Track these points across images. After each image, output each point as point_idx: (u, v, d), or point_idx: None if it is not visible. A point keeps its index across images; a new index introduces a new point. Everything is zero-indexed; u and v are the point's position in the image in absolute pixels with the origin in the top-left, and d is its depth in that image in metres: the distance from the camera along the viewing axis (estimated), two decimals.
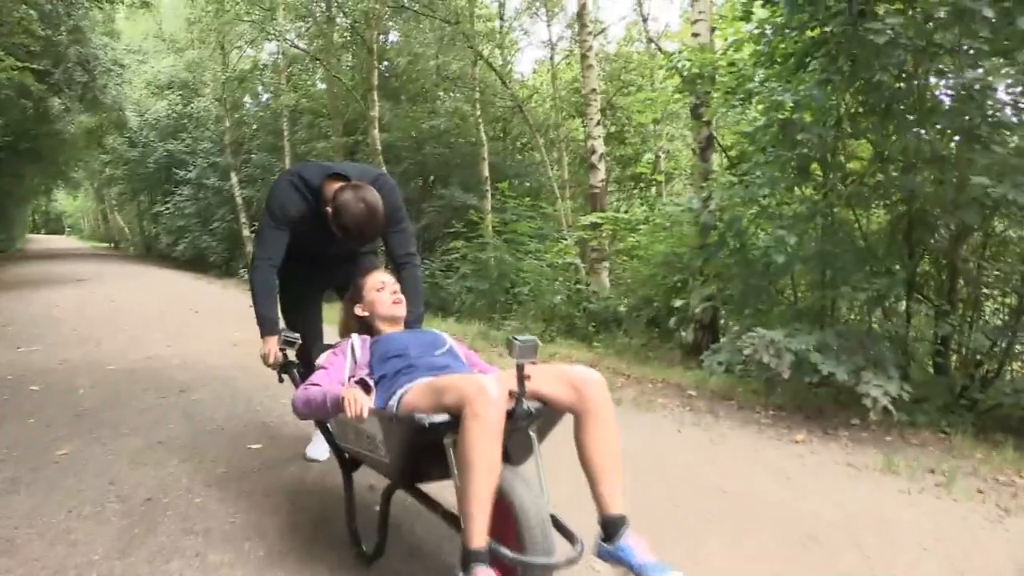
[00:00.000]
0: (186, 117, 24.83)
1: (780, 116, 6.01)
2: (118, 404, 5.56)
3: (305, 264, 3.79)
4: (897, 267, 6.16)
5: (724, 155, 8.59)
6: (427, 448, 2.47)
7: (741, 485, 4.21)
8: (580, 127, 18.48)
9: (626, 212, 13.10)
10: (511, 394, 2.43)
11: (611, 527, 2.53)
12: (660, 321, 10.83)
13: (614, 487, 2.58)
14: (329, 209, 3.37)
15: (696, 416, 5.97)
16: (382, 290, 3.20)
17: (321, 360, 3.27)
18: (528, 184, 17.93)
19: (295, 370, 3.44)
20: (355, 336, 3.10)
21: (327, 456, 4.21)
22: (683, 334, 10.23)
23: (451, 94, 18.12)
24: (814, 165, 6.19)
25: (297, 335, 3.41)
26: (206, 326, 10.11)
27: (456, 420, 2.34)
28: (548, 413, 2.61)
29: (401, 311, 3.22)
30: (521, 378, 2.42)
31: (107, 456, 4.33)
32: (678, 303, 7.72)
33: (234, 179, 21.73)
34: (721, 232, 6.49)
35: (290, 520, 3.47)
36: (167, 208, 24.92)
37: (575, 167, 17.49)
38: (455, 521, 2.50)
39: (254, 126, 23.53)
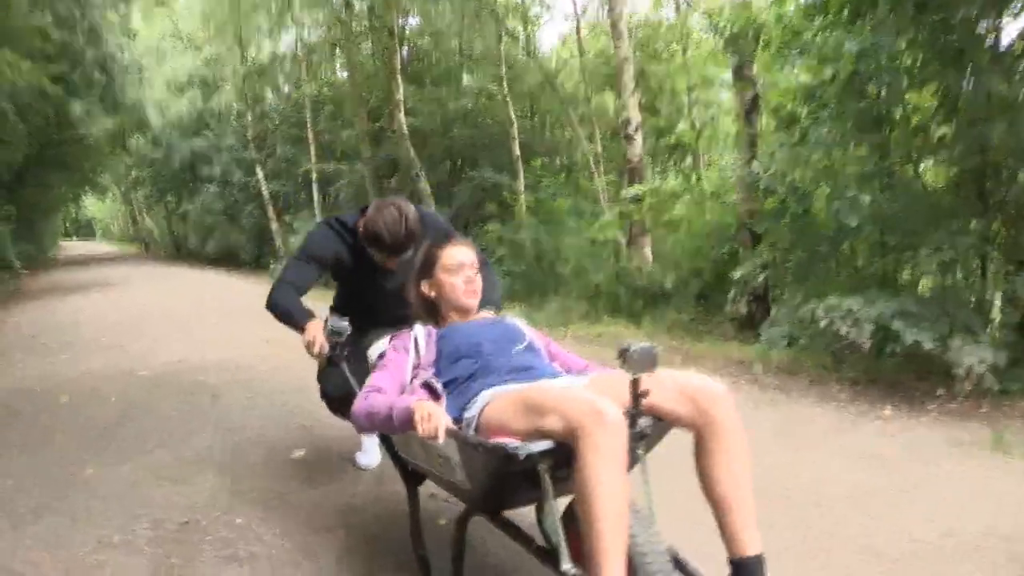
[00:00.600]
0: (207, 114, 24.55)
1: (845, 67, 5.52)
2: (147, 414, 5.24)
3: (366, 316, 3.48)
4: (973, 224, 5.68)
5: (774, 116, 8.08)
6: (517, 475, 2.07)
7: (842, 479, 3.78)
8: (611, 100, 18.01)
9: (663, 184, 12.61)
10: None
11: (745, 571, 2.11)
12: (709, 294, 10.39)
13: (747, 521, 2.13)
14: (361, 230, 3.29)
15: (767, 394, 5.57)
16: (457, 272, 2.71)
17: (375, 352, 2.91)
18: (559, 161, 17.48)
19: (345, 363, 3.02)
20: (418, 327, 2.71)
21: (379, 462, 3.85)
22: (736, 307, 9.78)
23: (476, 74, 17.64)
24: (891, 115, 5.70)
25: (347, 322, 2.99)
26: (237, 325, 9.81)
27: (560, 447, 1.96)
28: (659, 427, 2.21)
29: (474, 302, 2.77)
30: (637, 394, 2.02)
31: (137, 474, 3.99)
32: (737, 273, 7.25)
33: (260, 173, 21.44)
34: (782, 196, 6.03)
35: (346, 542, 3.12)
36: (194, 207, 24.73)
37: (607, 141, 16.99)
38: (550, 557, 2.13)
39: (276, 119, 23.22)
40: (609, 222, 10.75)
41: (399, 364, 2.55)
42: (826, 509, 3.38)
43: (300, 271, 3.38)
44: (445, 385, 2.43)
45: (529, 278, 12.05)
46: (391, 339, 2.73)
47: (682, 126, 16.88)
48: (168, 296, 14.18)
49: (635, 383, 2.00)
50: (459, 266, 2.71)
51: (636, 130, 11.51)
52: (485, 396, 2.30)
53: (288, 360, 6.98)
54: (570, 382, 2.40)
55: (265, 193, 21.36)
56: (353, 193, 17.93)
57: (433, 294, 2.76)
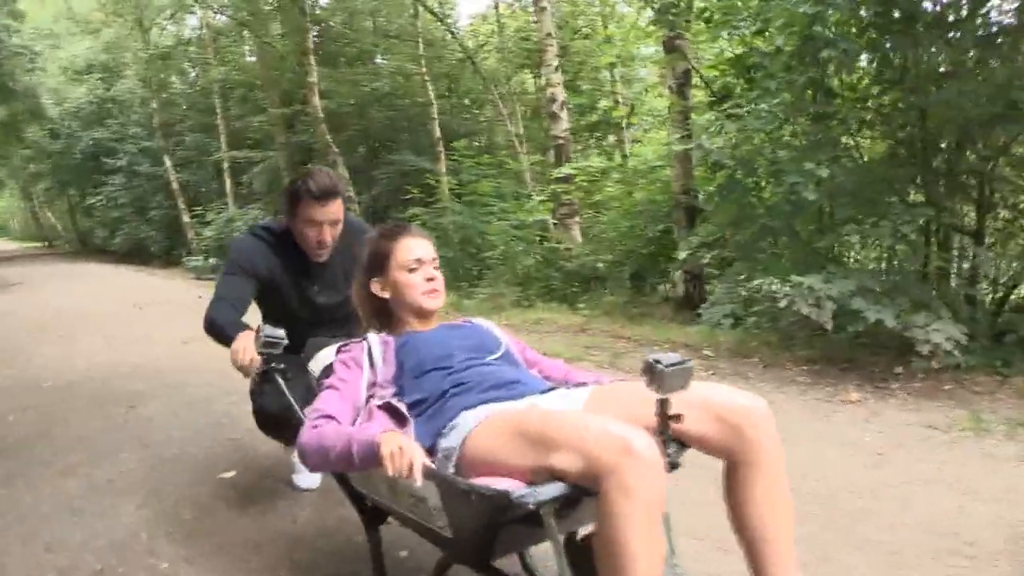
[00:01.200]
0: (110, 102, 23.35)
1: (799, 32, 5.23)
2: (53, 432, 4.62)
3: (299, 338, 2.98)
4: (916, 195, 5.51)
5: (708, 89, 7.82)
6: (515, 519, 1.65)
7: (833, 473, 3.48)
8: (531, 78, 17.64)
9: (593, 162, 12.28)
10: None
11: None
12: (644, 275, 10.13)
13: (787, 560, 1.78)
14: (286, 190, 3.03)
15: (725, 381, 5.26)
16: (415, 270, 2.27)
17: (318, 365, 2.51)
18: (479, 143, 17.04)
19: (280, 376, 2.48)
20: (372, 336, 2.25)
21: (320, 483, 3.42)
22: (673, 287, 9.56)
23: (392, 53, 17.03)
24: (836, 86, 5.45)
25: (282, 333, 2.46)
26: (152, 324, 9.17)
27: (575, 490, 1.57)
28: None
29: (436, 304, 2.31)
30: (666, 417, 1.64)
31: (40, 508, 3.42)
32: (682, 254, 6.96)
33: (168, 163, 20.50)
34: (731, 171, 5.74)
35: None
36: (99, 200, 23.52)
37: (528, 121, 16.63)
38: None
39: (184, 106, 22.22)
40: (540, 203, 10.38)
41: (351, 383, 2.10)
42: (827, 506, 3.07)
43: (233, 286, 2.97)
44: (411, 407, 2.01)
45: (455, 265, 11.62)
46: (339, 351, 2.28)
47: (604, 104, 16.65)
48: (74, 295, 13.26)
49: (664, 405, 1.63)
50: (417, 262, 2.28)
51: (561, 107, 11.20)
52: (467, 421, 1.87)
53: (209, 361, 6.42)
54: (565, 399, 2.00)
55: (174, 184, 20.46)
56: (267, 181, 17.22)
57: (387, 295, 2.32)
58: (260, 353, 2.45)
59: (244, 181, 18.95)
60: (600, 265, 10.23)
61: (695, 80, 8.63)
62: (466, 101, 17.50)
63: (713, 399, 1.79)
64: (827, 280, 4.96)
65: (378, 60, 17.31)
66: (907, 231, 4.93)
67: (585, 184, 10.89)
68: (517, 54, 16.30)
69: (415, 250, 2.29)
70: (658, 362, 1.57)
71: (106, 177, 22.95)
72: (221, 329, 2.78)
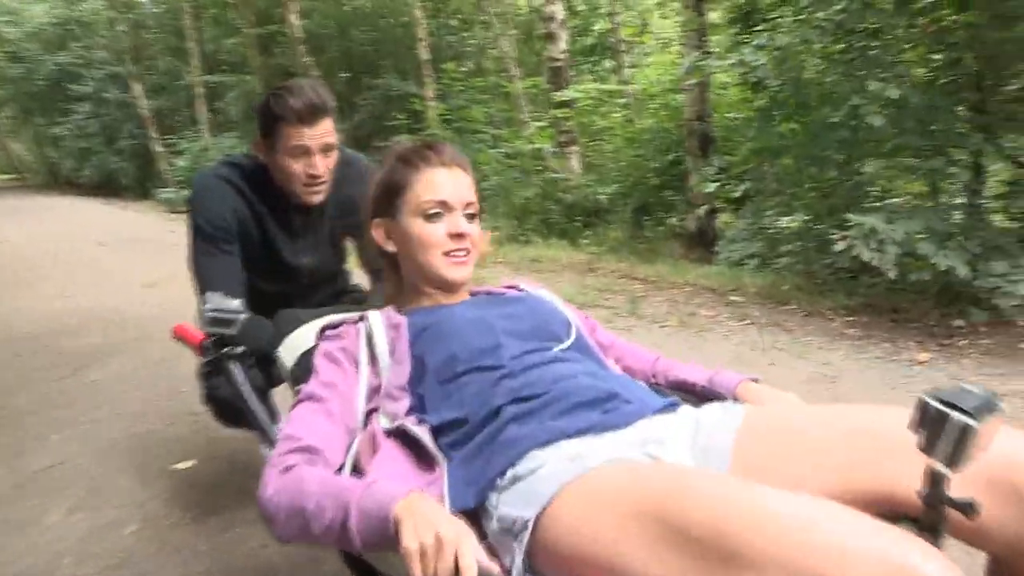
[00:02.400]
0: (73, 23, 22.02)
1: None
2: None
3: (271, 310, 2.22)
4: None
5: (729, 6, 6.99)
6: None
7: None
8: None
9: (599, 84, 11.41)
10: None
11: None
12: (651, 208, 9.39)
13: None
14: (258, 107, 2.16)
15: (764, 334, 4.61)
16: (439, 218, 1.51)
17: (291, 353, 1.81)
18: (466, 68, 16.02)
19: (236, 363, 1.73)
20: (373, 315, 1.52)
21: None
22: (685, 222, 8.84)
23: None
24: None
25: (236, 304, 1.72)
26: (114, 264, 8.37)
27: None
28: None
29: (461, 274, 1.54)
30: (944, 503, 0.88)
31: None
32: (709, 186, 6.19)
33: (138, 90, 19.30)
34: (774, 92, 4.95)
35: None
36: (66, 129, 22.34)
37: (519, 43, 15.65)
38: None
39: (154, 28, 20.95)
40: (541, 130, 9.56)
41: (342, 390, 1.38)
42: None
43: (226, 270, 2.17)
44: (440, 432, 1.30)
45: None
46: (321, 334, 1.55)
47: (600, 25, 15.70)
48: (34, 232, 12.30)
49: (940, 482, 0.88)
50: (441, 205, 1.51)
51: (560, 26, 10.31)
52: (545, 477, 1.13)
53: (173, 307, 5.71)
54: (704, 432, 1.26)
55: (145, 111, 19.31)
56: (243, 107, 16.22)
57: (392, 248, 1.59)
58: (207, 333, 1.72)
59: (219, 108, 17.92)
60: (602, 197, 9.49)
61: None
62: (453, 22, 16.44)
63: (1003, 465, 1.01)
64: (889, 220, 4.25)
65: None
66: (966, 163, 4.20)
67: (590, 109, 10.04)
68: None
69: (441, 187, 1.52)
70: (950, 407, 0.84)
71: (72, 105, 21.74)
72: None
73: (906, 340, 4.33)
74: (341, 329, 1.51)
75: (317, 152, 2.09)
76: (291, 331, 1.85)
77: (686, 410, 1.32)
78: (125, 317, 5.63)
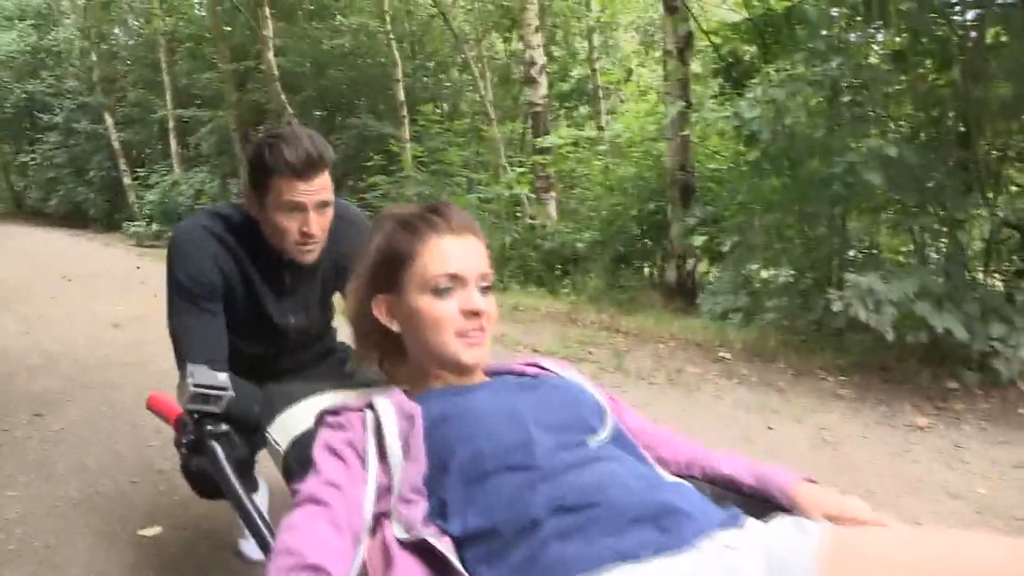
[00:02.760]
0: (43, 52, 21.73)
1: None
2: None
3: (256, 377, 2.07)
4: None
5: (715, 52, 6.95)
6: None
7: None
8: (501, 42, 16.63)
9: (580, 132, 11.35)
10: None
11: None
12: (630, 258, 9.31)
13: None
14: (249, 156, 1.93)
15: (758, 394, 4.48)
16: (447, 295, 1.32)
17: (284, 434, 1.59)
18: (440, 110, 15.95)
19: (221, 442, 1.54)
20: (381, 402, 1.30)
21: None
22: (658, 273, 8.75)
23: (354, 9, 15.85)
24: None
25: (223, 379, 1.57)
26: (80, 299, 8.05)
27: None
28: None
29: (477, 357, 1.35)
30: None
31: None
32: (698, 239, 6.07)
33: (109, 121, 19.05)
34: (765, 145, 4.88)
35: None
36: (33, 158, 21.95)
37: (496, 87, 15.65)
38: None
39: (127, 59, 20.74)
40: (521, 175, 9.46)
41: (350, 492, 1.18)
42: None
43: (209, 333, 1.97)
44: (466, 544, 1.12)
45: None
46: (321, 420, 1.35)
47: (577, 72, 15.77)
48: (1, 260, 11.99)
49: None
50: (455, 280, 1.32)
51: (540, 71, 10.32)
52: None
53: (141, 350, 5.47)
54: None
55: (116, 143, 19.05)
56: (216, 142, 16.02)
57: (395, 328, 1.39)
58: (188, 411, 1.54)
59: (190, 142, 17.70)
60: (580, 245, 9.39)
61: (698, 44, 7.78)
62: (430, 64, 16.42)
63: None
64: (885, 280, 4.16)
65: (339, 18, 16.12)
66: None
67: (571, 155, 9.97)
68: (490, 13, 15.26)
69: (452, 258, 1.33)
70: None
71: (41, 134, 21.42)
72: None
73: (901, 402, 4.22)
74: (344, 418, 1.31)
75: (312, 209, 1.88)
76: (282, 409, 1.66)
77: (753, 526, 1.12)
78: (89, 358, 5.35)
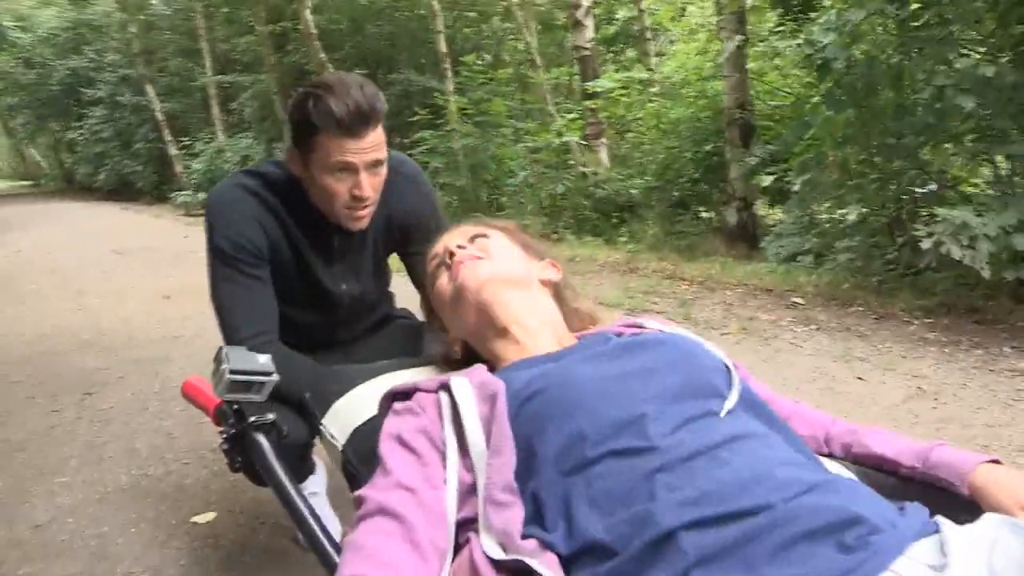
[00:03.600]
0: (83, 26, 21.71)
1: None
2: None
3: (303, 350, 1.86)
4: None
5: None
6: None
7: None
8: None
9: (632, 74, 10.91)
10: None
11: None
12: (688, 202, 8.96)
13: None
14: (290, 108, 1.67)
15: (842, 342, 4.18)
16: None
17: (338, 428, 1.39)
18: (482, 61, 15.55)
19: (267, 434, 1.34)
20: (457, 381, 1.09)
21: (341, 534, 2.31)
22: (718, 217, 8.40)
23: None
24: None
25: (264, 361, 1.41)
26: (131, 272, 7.98)
27: None
28: None
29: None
30: None
31: None
32: (766, 179, 5.72)
33: (151, 92, 19.02)
34: (840, 74, 4.51)
35: None
36: (81, 134, 22.05)
37: (540, 34, 15.20)
38: None
39: (165, 29, 20.61)
40: (571, 122, 9.12)
41: (429, 497, 0.96)
42: None
43: (255, 299, 1.77)
44: (574, 563, 0.87)
45: (468, 194, 10.42)
46: (388, 403, 1.15)
47: (623, 14, 15.25)
48: (49, 241, 11.85)
49: None
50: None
51: (587, 14, 9.90)
52: None
53: (194, 323, 5.33)
54: None
55: (159, 114, 19.02)
56: (258, 107, 15.86)
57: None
58: (226, 400, 1.33)
59: (233, 108, 17.58)
60: (635, 192, 9.07)
61: None
62: (470, 13, 16.00)
63: None
64: (979, 213, 3.81)
65: None
66: None
67: (623, 98, 9.60)
68: None
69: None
70: None
71: (86, 109, 21.48)
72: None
73: (998, 345, 3.91)
74: (415, 401, 1.10)
75: (364, 169, 1.64)
76: (339, 394, 1.43)
77: (953, 533, 0.83)
78: (140, 334, 5.22)
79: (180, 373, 4.22)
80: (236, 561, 2.30)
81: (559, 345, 1.20)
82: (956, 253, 3.67)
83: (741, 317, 4.79)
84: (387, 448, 1.03)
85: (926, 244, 3.74)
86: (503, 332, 1.21)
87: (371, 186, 1.68)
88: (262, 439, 1.32)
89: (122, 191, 21.45)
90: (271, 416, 1.34)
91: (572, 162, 9.74)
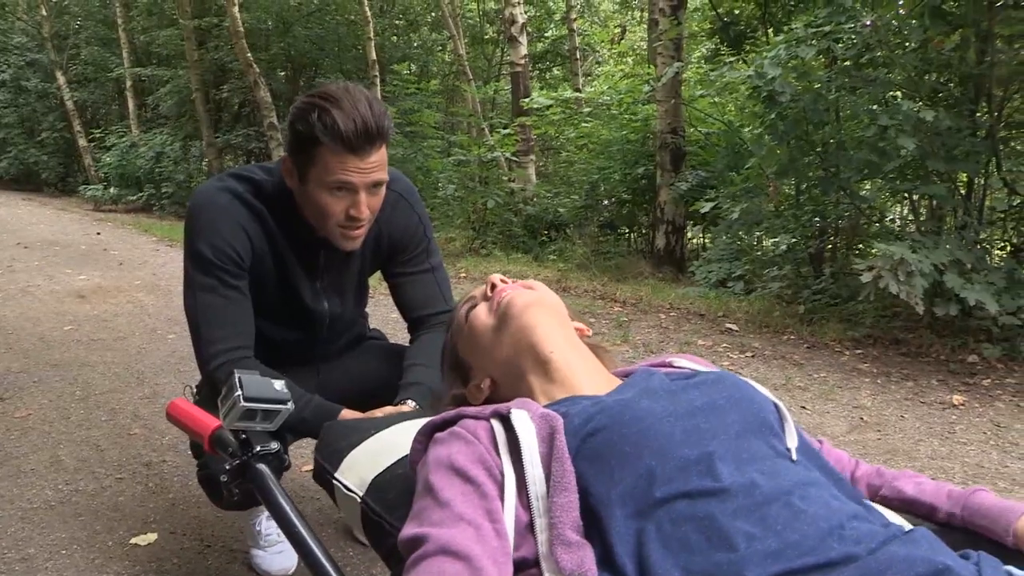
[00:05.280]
0: None
1: None
2: None
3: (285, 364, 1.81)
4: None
5: (713, 11, 6.66)
6: None
7: None
8: (473, 1, 16.18)
9: (565, 93, 10.97)
10: None
11: None
12: (616, 225, 9.06)
13: None
14: (289, 118, 1.60)
15: (774, 368, 4.28)
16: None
17: (355, 479, 1.28)
18: (409, 71, 15.47)
19: (273, 466, 1.24)
20: (518, 414, 1.00)
21: (295, 567, 2.21)
22: (654, 240, 8.51)
23: None
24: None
25: (280, 388, 1.27)
26: (38, 268, 7.59)
27: None
28: None
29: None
30: None
31: None
32: (708, 206, 5.79)
33: (61, 80, 18.28)
34: (784, 107, 4.61)
35: None
36: None
37: (469, 48, 15.22)
38: None
39: (79, 15, 19.86)
40: (504, 137, 9.12)
41: (489, 534, 0.89)
42: None
43: (234, 312, 1.70)
44: None
45: None
46: (430, 437, 1.08)
47: (552, 32, 15.42)
48: None
49: None
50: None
51: (521, 30, 9.96)
52: None
53: (113, 326, 5.09)
54: None
55: (69, 103, 18.30)
56: (176, 103, 15.39)
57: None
58: (233, 430, 1.25)
59: (149, 103, 17.04)
60: (562, 210, 9.13)
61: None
62: (399, 22, 15.92)
63: None
64: (914, 250, 3.94)
65: None
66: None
67: (555, 116, 9.65)
68: None
69: None
70: None
71: None
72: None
73: (926, 377, 4.05)
74: (463, 428, 1.03)
75: (364, 189, 1.59)
76: (352, 446, 1.34)
77: None
78: (54, 336, 4.94)
79: (103, 379, 4.05)
80: None
81: (605, 382, 1.16)
82: (894, 288, 3.77)
83: (678, 341, 4.84)
84: (438, 478, 0.96)
85: (866, 278, 3.83)
86: (544, 363, 1.16)
87: (369, 207, 1.63)
88: (266, 470, 1.24)
89: (25, 181, 20.56)
90: (274, 445, 1.26)
91: (504, 178, 9.75)
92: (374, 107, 1.53)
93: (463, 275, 7.29)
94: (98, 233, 10.79)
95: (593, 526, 0.91)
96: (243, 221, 1.68)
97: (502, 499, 0.94)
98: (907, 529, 0.92)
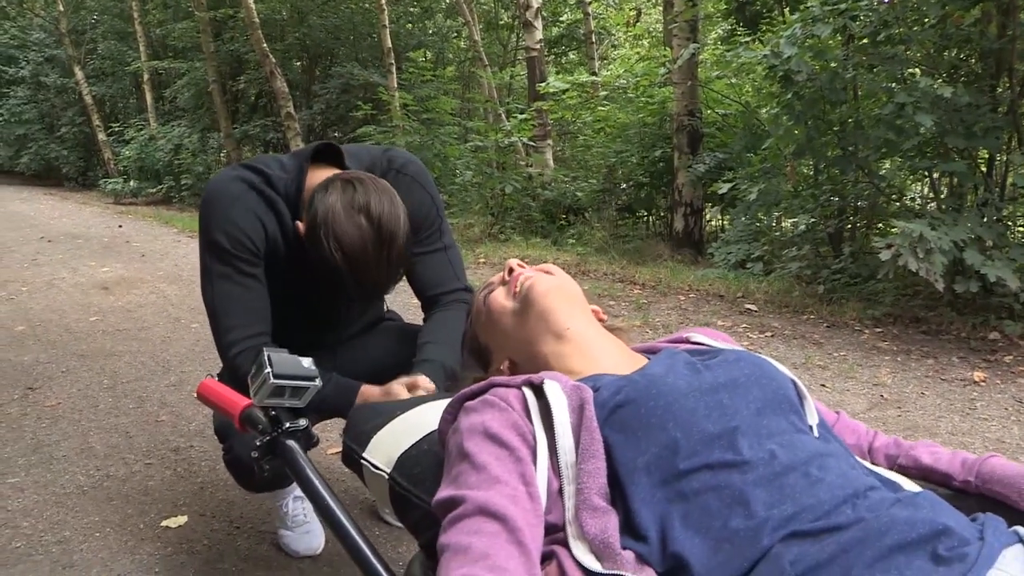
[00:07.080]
0: (3, 1, 20.88)
1: None
2: None
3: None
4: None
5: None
6: None
7: None
8: None
9: (583, 77, 10.94)
10: None
11: None
12: (634, 208, 9.05)
13: None
14: (301, 225, 1.67)
15: (796, 348, 4.28)
16: None
17: (381, 458, 1.28)
18: (424, 58, 15.45)
19: (301, 442, 1.26)
20: (551, 384, 1.02)
21: (323, 545, 2.26)
22: (671, 222, 8.50)
23: None
24: None
25: (307, 365, 1.29)
26: (62, 261, 7.69)
27: None
28: None
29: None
30: None
31: None
32: (726, 187, 5.81)
33: (79, 74, 18.41)
34: (800, 88, 4.59)
35: None
36: (0, 115, 21.20)
37: (484, 34, 15.18)
38: None
39: (95, 9, 19.95)
40: (521, 123, 9.12)
41: (523, 495, 0.92)
42: None
43: (251, 299, 1.73)
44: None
45: None
46: (461, 407, 1.08)
47: (567, 16, 15.35)
48: None
49: None
50: None
51: (536, 15, 9.93)
52: None
53: (137, 317, 5.16)
54: None
55: (87, 98, 18.42)
56: (193, 95, 15.47)
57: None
58: (263, 407, 1.28)
59: (167, 95, 17.14)
60: (580, 195, 9.13)
61: None
62: (413, 9, 15.89)
63: None
64: (933, 227, 3.93)
65: None
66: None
67: (572, 101, 9.65)
68: None
69: None
70: None
71: (7, 89, 20.68)
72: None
73: (947, 355, 4.04)
74: (494, 395, 1.05)
75: None
76: (378, 427, 1.37)
77: None
78: (80, 327, 5.02)
79: (130, 367, 4.11)
80: (215, 568, 2.21)
81: (626, 360, 1.18)
82: (913, 265, 3.76)
83: (698, 322, 4.85)
84: (473, 443, 0.98)
85: (885, 255, 3.82)
86: (565, 343, 1.18)
87: None
88: (295, 446, 1.27)
89: (46, 176, 20.77)
90: (303, 422, 1.29)
91: (522, 163, 9.75)
92: (391, 268, 1.63)
93: (482, 260, 7.32)
94: (120, 226, 10.89)
95: (618, 493, 0.94)
96: (257, 210, 1.71)
97: (535, 463, 0.96)
98: (912, 491, 0.94)
